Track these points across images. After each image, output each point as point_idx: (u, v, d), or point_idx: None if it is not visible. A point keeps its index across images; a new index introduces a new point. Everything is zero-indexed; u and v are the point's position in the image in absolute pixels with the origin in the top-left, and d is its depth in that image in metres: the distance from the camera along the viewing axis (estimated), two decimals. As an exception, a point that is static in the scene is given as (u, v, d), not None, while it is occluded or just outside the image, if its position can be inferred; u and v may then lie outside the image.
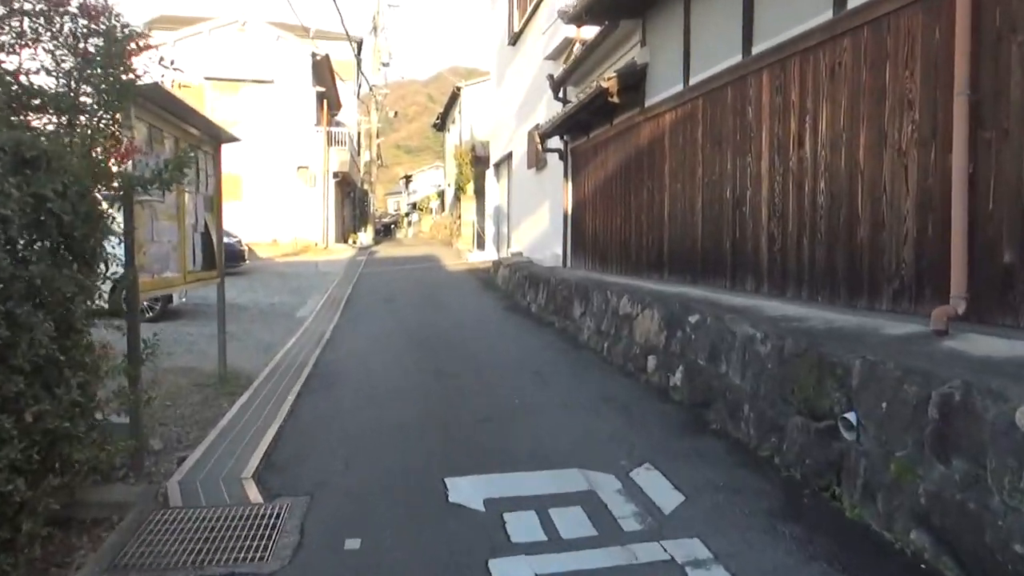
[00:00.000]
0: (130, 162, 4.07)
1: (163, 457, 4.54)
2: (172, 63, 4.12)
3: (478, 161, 29.74)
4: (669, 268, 7.33)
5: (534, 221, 14.08)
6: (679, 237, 7.07)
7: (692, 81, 6.76)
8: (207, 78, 25.79)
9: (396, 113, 55.88)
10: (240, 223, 25.96)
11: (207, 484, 4.04)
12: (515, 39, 15.80)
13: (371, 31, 34.22)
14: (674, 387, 5.43)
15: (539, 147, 11.26)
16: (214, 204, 6.35)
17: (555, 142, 11.47)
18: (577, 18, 8.26)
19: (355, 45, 34.37)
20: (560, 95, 11.03)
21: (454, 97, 35.21)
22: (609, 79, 7.67)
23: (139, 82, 4.09)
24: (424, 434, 4.79)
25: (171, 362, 7.42)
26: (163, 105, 4.69)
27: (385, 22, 35.80)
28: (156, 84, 4.15)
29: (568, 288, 8.92)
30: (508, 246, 17.95)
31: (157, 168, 4.00)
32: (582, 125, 10.12)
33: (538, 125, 13.10)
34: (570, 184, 11.21)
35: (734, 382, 4.56)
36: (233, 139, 6.41)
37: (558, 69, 11.26)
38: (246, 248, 17.71)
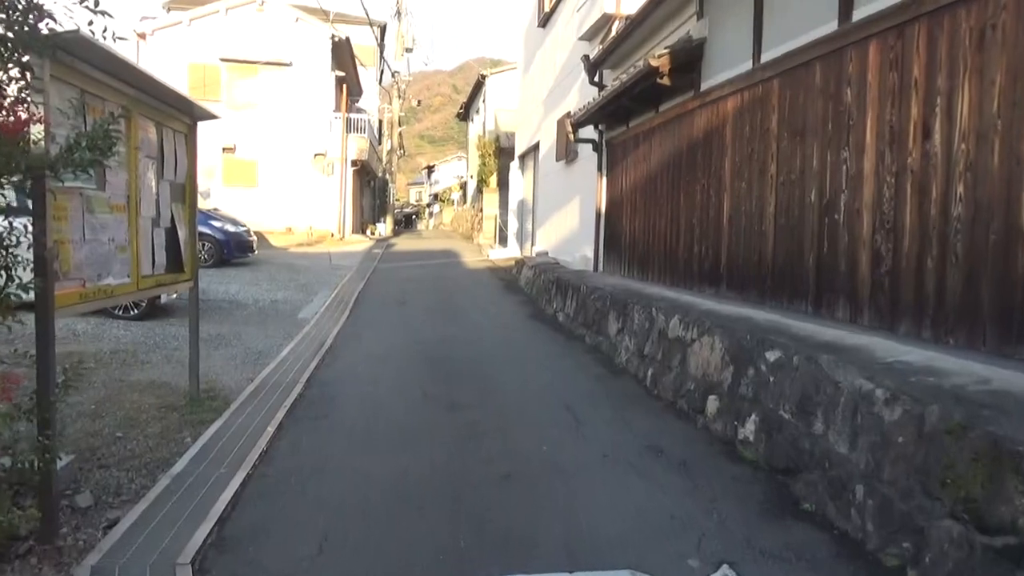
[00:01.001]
0: (43, 137, 3.01)
1: (89, 519, 3.50)
2: (97, 3, 3.01)
3: (502, 152, 28.68)
4: (728, 282, 6.18)
5: (562, 218, 12.94)
6: (743, 246, 5.91)
7: (764, 58, 5.59)
8: (223, 59, 25.00)
9: (419, 102, 55.03)
10: (255, 210, 25.18)
11: (129, 573, 2.99)
12: (545, 20, 14.63)
13: (394, 15, 33.20)
14: (744, 441, 4.29)
15: (570, 137, 10.13)
16: (187, 193, 5.29)
17: (589, 132, 10.32)
18: (623, -14, 7.11)
19: (377, 30, 33.40)
20: (596, 79, 9.87)
21: (478, 86, 34.16)
22: (660, 56, 6.51)
23: (52, 27, 3.01)
24: (426, 500, 3.70)
25: (143, 374, 6.42)
26: (100, 65, 3.62)
27: (409, 6, 34.73)
28: (77, 33, 3.06)
29: (602, 299, 7.79)
30: (532, 243, 16.83)
31: (67, 143, 2.93)
32: (621, 113, 8.97)
33: (569, 113, 11.96)
34: (604, 179, 10.06)
35: (837, 450, 3.42)
36: (210, 116, 5.34)
37: (594, 50, 10.09)
38: (255, 238, 16.74)
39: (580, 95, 11.73)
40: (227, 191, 25.31)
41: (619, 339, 7.04)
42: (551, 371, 6.73)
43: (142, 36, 24.83)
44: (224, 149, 25.32)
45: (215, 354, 7.38)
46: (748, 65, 5.82)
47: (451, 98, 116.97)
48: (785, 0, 5.37)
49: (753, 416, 4.26)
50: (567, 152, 11.97)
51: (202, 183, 25.55)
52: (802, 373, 3.87)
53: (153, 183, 4.61)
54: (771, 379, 4.17)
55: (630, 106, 8.15)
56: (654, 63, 6.48)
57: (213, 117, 5.44)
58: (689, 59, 6.71)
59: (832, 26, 4.69)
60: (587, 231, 10.91)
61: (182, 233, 5.10)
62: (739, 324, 4.92)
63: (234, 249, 15.62)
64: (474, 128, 37.28)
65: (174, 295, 9.66)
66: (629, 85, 7.34)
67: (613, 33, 9.47)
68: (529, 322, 9.69)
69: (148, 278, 4.55)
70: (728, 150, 6.15)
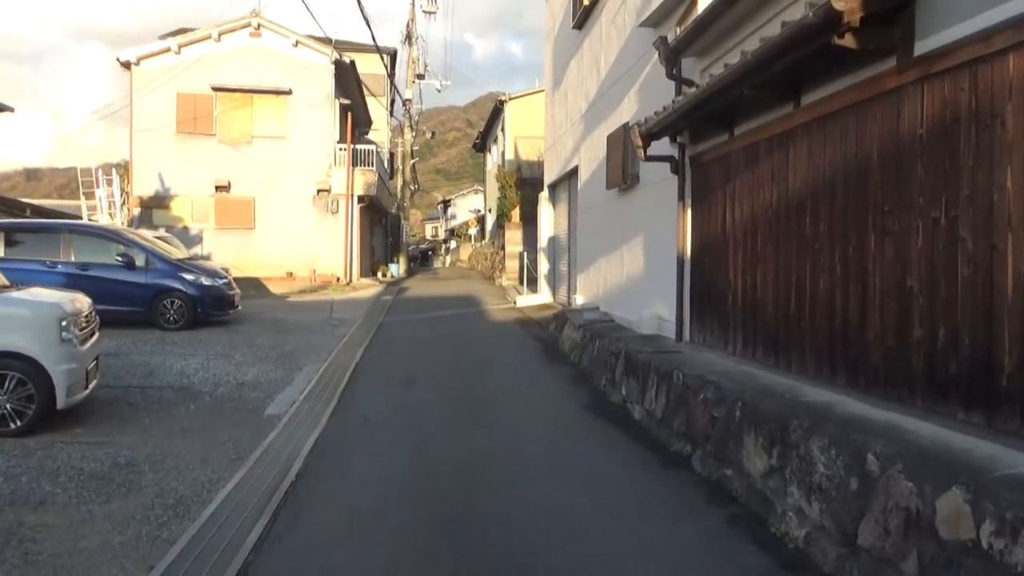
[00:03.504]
0: None
1: None
2: None
3: (524, 184, 26.07)
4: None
5: (615, 262, 10.02)
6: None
7: None
8: (215, 88, 22.67)
9: (433, 134, 53.17)
10: (252, 254, 22.55)
11: None
12: (583, 17, 11.89)
13: (403, 40, 30.94)
14: None
15: (640, 153, 7.25)
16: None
17: (662, 147, 7.45)
18: None
19: (387, 57, 31.11)
20: (675, 72, 7.03)
21: (496, 112, 31.68)
22: (851, -9, 3.63)
23: None
24: None
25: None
26: None
27: (420, 30, 32.53)
28: None
29: (724, 403, 4.83)
30: (570, 290, 13.91)
31: None
32: (720, 116, 6.11)
33: (627, 125, 9.12)
34: (690, 211, 7.17)
35: None
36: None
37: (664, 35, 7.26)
38: (237, 291, 13.97)
39: (639, 101, 8.91)
40: (221, 234, 22.81)
41: (772, 485, 4.06)
42: (660, 564, 3.72)
43: (127, 65, 22.56)
44: (217, 187, 22.88)
45: (99, 512, 4.50)
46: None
47: (465, 133, 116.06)
48: None
49: None
50: (623, 176, 9.10)
51: (193, 227, 23.04)
52: None
53: None
54: None
55: (752, 98, 5.24)
56: (839, 5, 3.60)
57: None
58: (888, 3, 3.84)
59: None
60: (660, 282, 7.98)
61: None
62: None
63: (209, 306, 12.84)
64: (492, 159, 34.79)
65: (90, 385, 6.78)
66: (766, 58, 4.46)
67: (699, 8, 6.66)
68: (590, 421, 6.70)
69: None
70: (1010, 152, 3.23)
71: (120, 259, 12.30)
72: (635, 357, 6.91)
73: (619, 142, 9.18)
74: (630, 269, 9.27)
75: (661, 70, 8.04)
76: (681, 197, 7.22)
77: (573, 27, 12.49)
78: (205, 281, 12.92)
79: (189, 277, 12.74)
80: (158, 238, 14.96)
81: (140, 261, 12.50)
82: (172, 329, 12.29)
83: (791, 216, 5.15)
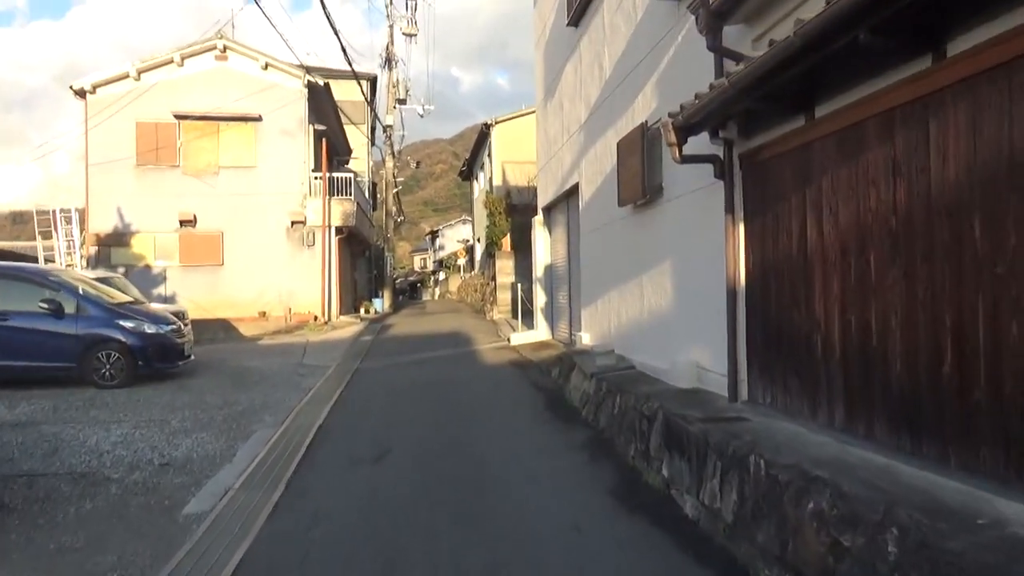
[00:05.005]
0: None
1: None
2: None
3: (514, 210, 24.48)
4: None
5: (634, 295, 8.23)
6: None
7: None
8: (178, 116, 20.93)
9: (419, 164, 51.87)
10: (221, 293, 20.67)
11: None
12: (580, 11, 10.25)
13: (383, 64, 29.46)
14: None
15: (673, 151, 5.50)
16: None
17: (699, 146, 5.72)
18: None
19: (366, 84, 29.59)
20: (717, 43, 5.32)
21: (482, 137, 30.18)
22: None
23: None
24: None
25: None
26: None
27: (400, 53, 31.09)
28: None
29: (857, 522, 3.02)
30: (574, 327, 12.08)
31: None
32: (791, 92, 4.40)
33: (645, 126, 7.40)
34: (743, 227, 5.41)
35: None
36: None
37: (685, 17, 5.55)
38: (188, 338, 12.08)
39: (659, 96, 7.22)
40: (187, 273, 20.94)
41: None
42: None
43: (80, 93, 20.85)
44: (182, 222, 21.06)
45: None
46: None
47: (452, 165, 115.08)
48: None
49: None
50: (643, 188, 7.34)
51: (156, 265, 21.15)
52: None
53: None
54: None
55: (865, 50, 3.51)
56: None
57: None
58: None
59: None
60: (699, 319, 6.20)
61: None
62: None
63: (153, 358, 10.95)
64: (478, 186, 33.25)
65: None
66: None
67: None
68: (625, 520, 4.81)
69: None
70: None
71: (45, 306, 10.43)
72: (679, 425, 5.08)
73: (635, 147, 7.45)
74: (654, 303, 7.47)
75: (686, 52, 6.37)
76: (730, 208, 5.46)
77: (568, 24, 10.85)
78: (148, 329, 11.05)
79: (128, 325, 10.87)
80: (99, 279, 13.08)
81: (70, 307, 10.63)
82: (108, 387, 10.40)
83: (938, 225, 3.38)
